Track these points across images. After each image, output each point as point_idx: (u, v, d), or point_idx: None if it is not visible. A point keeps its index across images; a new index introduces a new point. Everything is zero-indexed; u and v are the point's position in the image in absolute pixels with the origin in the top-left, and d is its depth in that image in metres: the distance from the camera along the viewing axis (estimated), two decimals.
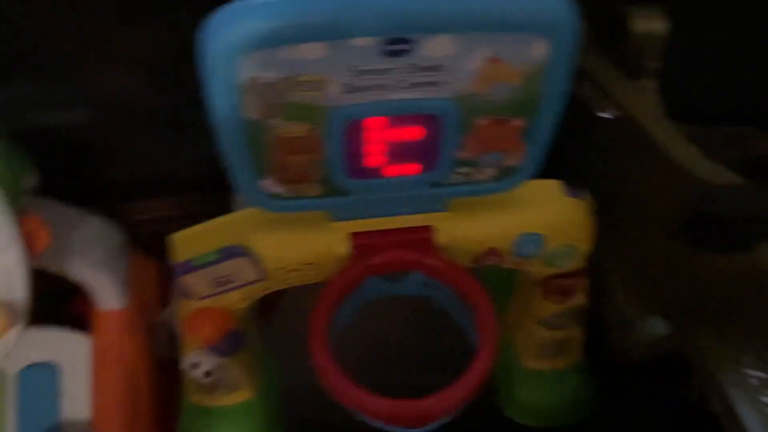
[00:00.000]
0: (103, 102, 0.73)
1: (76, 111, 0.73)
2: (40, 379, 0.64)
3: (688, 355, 0.45)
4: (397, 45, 0.37)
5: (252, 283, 0.51)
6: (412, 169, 0.45)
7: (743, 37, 0.61)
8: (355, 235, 0.49)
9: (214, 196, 0.77)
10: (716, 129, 0.65)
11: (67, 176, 0.74)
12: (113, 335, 0.66)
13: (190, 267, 0.49)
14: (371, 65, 0.38)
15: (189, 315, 0.53)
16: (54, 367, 0.65)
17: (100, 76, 0.71)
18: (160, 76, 0.72)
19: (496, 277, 0.67)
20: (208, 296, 0.51)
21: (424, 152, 0.44)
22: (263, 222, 0.49)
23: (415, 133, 0.43)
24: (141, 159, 0.78)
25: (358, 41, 0.36)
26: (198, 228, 0.51)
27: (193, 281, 0.50)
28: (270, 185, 0.45)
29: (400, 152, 0.44)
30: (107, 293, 0.65)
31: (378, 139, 0.43)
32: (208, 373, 0.57)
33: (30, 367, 0.64)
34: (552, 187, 0.52)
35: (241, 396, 0.63)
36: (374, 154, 0.44)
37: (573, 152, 0.59)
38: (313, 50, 0.37)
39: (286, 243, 0.49)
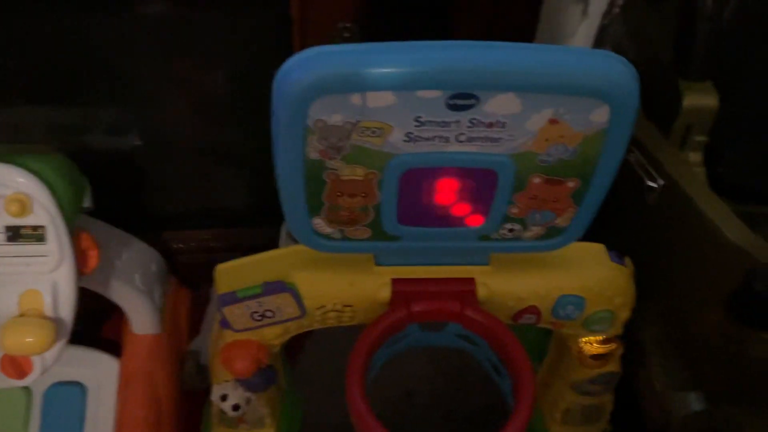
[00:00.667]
0: (156, 131, 0.75)
1: (129, 137, 0.75)
2: (66, 399, 0.64)
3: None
4: (463, 99, 0.38)
5: (291, 319, 0.51)
6: (463, 221, 0.46)
7: None
8: (397, 281, 0.49)
9: (252, 230, 0.79)
10: (759, 207, 0.65)
11: (115, 200, 0.76)
12: (144, 360, 0.66)
13: (234, 299, 0.49)
14: (435, 117, 0.39)
15: (225, 346, 0.53)
16: (81, 387, 0.65)
17: (156, 106, 0.74)
18: (214, 110, 0.74)
19: (528, 337, 0.67)
20: (247, 329, 0.52)
21: (477, 206, 0.45)
22: (308, 260, 0.50)
23: (470, 186, 0.43)
24: (184, 189, 0.80)
25: (426, 93, 0.37)
26: (244, 261, 0.51)
27: (235, 313, 0.50)
28: (321, 225, 0.46)
29: (453, 203, 0.44)
30: (143, 317, 0.66)
31: (432, 189, 0.43)
32: (236, 407, 0.56)
33: (57, 385, 0.64)
34: (597, 251, 0.52)
35: None
36: (427, 204, 0.44)
37: (619, 218, 0.59)
38: (381, 99, 0.38)
39: (329, 283, 0.50)
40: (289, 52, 0.38)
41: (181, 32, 0.69)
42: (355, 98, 0.38)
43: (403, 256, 0.49)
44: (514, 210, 0.45)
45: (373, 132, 0.39)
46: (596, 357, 0.56)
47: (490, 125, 0.39)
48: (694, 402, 0.52)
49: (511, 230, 0.47)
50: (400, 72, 0.37)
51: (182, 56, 0.71)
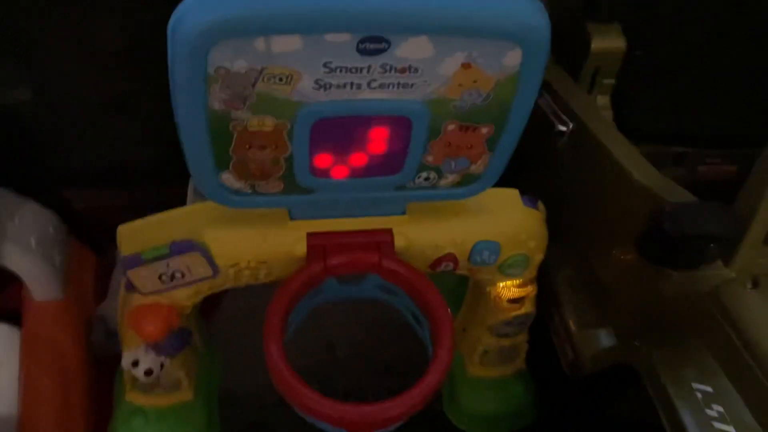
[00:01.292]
0: (49, 84, 0.70)
1: (19, 91, 0.69)
2: None
3: (637, 367, 0.46)
4: (374, 43, 0.36)
5: (203, 279, 0.49)
6: (378, 170, 0.45)
7: (693, 59, 0.64)
8: (313, 235, 0.48)
9: (159, 187, 0.75)
10: (663, 147, 0.67)
11: (8, 160, 0.70)
12: (46, 327, 0.62)
13: (139, 260, 0.47)
14: (345, 62, 0.37)
15: (133, 310, 0.51)
16: None
17: (46, 57, 0.68)
18: (111, 61, 0.69)
19: (444, 285, 0.67)
20: (156, 292, 0.49)
21: (392, 155, 0.43)
22: (218, 217, 0.47)
23: (383, 134, 0.42)
24: (83, 146, 0.74)
25: (334, 36, 0.36)
26: (148, 220, 0.49)
27: (141, 275, 0.48)
28: (230, 180, 0.43)
29: (367, 153, 0.43)
30: (42, 283, 0.62)
31: (345, 139, 0.42)
32: (149, 372, 0.54)
33: None
34: (510, 196, 0.52)
35: (179, 397, 0.61)
36: (340, 154, 0.43)
37: (530, 162, 0.59)
38: (287, 43, 0.35)
39: (241, 240, 0.48)
40: None
41: None
42: (259, 43, 0.35)
43: (317, 209, 0.48)
44: (430, 158, 0.44)
45: (281, 79, 0.37)
46: (512, 300, 0.57)
47: (403, 70, 0.38)
48: (604, 338, 0.54)
49: (426, 179, 0.46)
50: (306, 13, 0.34)
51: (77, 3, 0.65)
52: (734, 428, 0.40)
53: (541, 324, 0.62)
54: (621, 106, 0.62)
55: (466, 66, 0.38)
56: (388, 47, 0.37)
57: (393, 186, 0.46)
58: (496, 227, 0.51)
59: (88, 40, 0.67)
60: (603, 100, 0.60)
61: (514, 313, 0.59)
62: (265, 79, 0.37)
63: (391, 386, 0.68)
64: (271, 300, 0.46)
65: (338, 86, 0.38)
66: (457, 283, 0.67)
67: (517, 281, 0.55)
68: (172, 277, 0.48)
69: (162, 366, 0.55)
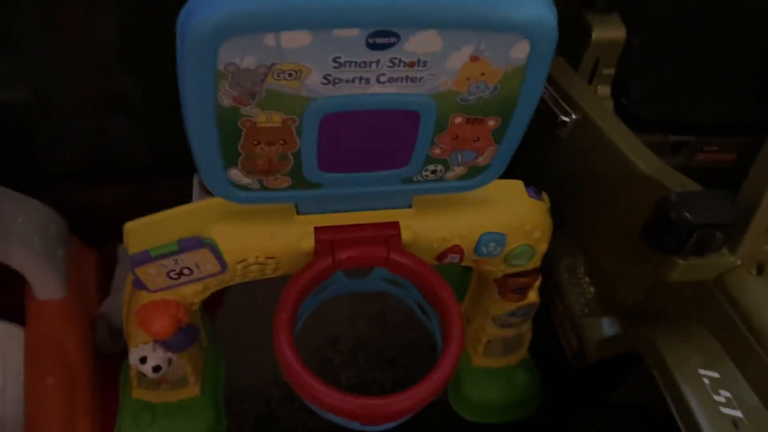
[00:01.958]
0: (47, 83, 0.69)
1: (18, 90, 0.69)
2: None
3: (644, 355, 0.47)
4: (383, 38, 0.36)
5: (211, 275, 0.49)
6: (386, 164, 0.45)
7: (690, 48, 0.64)
8: (320, 229, 0.48)
9: (161, 183, 0.75)
10: (662, 136, 0.67)
11: (7, 159, 0.70)
12: (50, 326, 0.63)
13: (147, 258, 0.47)
14: (354, 57, 0.37)
15: (141, 308, 0.50)
16: None
17: (45, 57, 0.67)
18: (110, 59, 0.69)
19: (448, 276, 0.68)
20: (164, 288, 0.49)
21: (399, 148, 0.44)
22: (225, 213, 0.48)
23: (391, 128, 0.42)
24: (82, 143, 0.74)
25: (344, 32, 0.36)
26: (155, 217, 0.49)
27: (149, 273, 0.48)
28: (238, 176, 0.43)
29: (375, 147, 0.43)
30: (46, 282, 0.62)
31: (353, 133, 0.42)
32: (157, 368, 0.54)
33: None
34: (515, 187, 0.52)
35: (186, 392, 0.61)
36: (348, 149, 0.43)
37: (534, 153, 0.60)
38: (297, 38, 0.35)
39: (249, 235, 0.48)
40: None
41: None
42: (269, 38, 0.35)
43: (325, 203, 0.48)
44: (437, 151, 0.44)
45: (290, 75, 0.37)
46: (517, 290, 0.58)
47: (412, 64, 0.38)
48: (608, 327, 0.55)
49: (433, 171, 0.46)
50: (316, 9, 0.34)
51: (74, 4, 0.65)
52: (741, 413, 0.41)
53: (545, 313, 0.62)
54: (620, 95, 0.62)
55: (474, 59, 0.39)
56: (397, 41, 0.37)
57: (400, 179, 0.46)
58: (502, 218, 0.51)
59: (86, 39, 0.67)
60: (604, 90, 0.61)
61: (518, 304, 0.59)
62: (275, 75, 0.37)
63: (396, 378, 0.68)
64: (281, 295, 0.46)
65: (347, 81, 0.38)
66: (460, 274, 0.68)
67: (522, 271, 0.56)
68: (181, 273, 0.48)
69: (170, 362, 0.55)
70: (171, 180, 0.70)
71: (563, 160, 0.59)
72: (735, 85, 0.65)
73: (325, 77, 0.38)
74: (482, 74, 0.40)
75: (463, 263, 0.54)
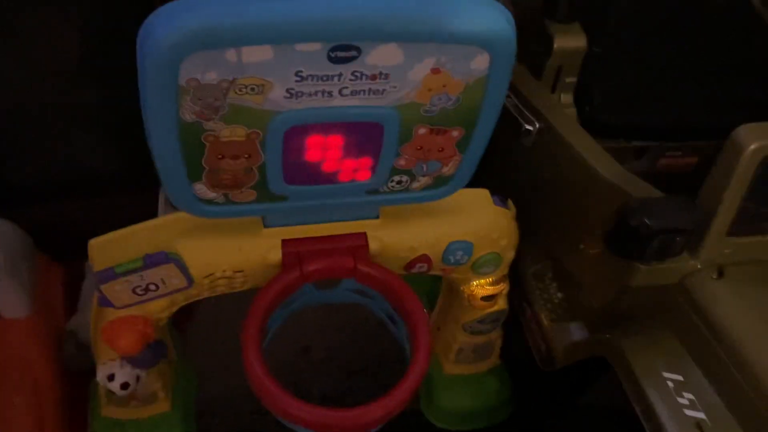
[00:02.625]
0: (7, 95, 0.68)
1: None
2: None
3: (610, 359, 0.47)
4: (344, 52, 0.37)
5: (178, 290, 0.49)
6: (351, 176, 0.45)
7: (650, 54, 0.65)
8: (287, 241, 0.48)
9: (126, 198, 0.74)
10: (624, 142, 0.68)
11: None
12: (16, 345, 0.62)
13: (112, 275, 0.46)
14: (316, 71, 0.37)
15: (108, 324, 0.50)
16: None
17: (7, 68, 0.67)
18: (73, 72, 0.68)
19: (418, 285, 0.68)
20: (130, 305, 0.49)
21: (364, 160, 0.44)
22: (191, 227, 0.47)
23: (356, 141, 0.42)
24: (45, 157, 0.73)
25: (305, 46, 0.36)
26: (120, 233, 0.48)
27: (115, 290, 0.47)
28: (202, 190, 0.43)
29: (340, 159, 0.43)
30: (10, 300, 0.61)
31: (318, 146, 0.42)
32: (125, 385, 0.54)
33: None
34: (481, 196, 0.53)
35: (156, 409, 0.60)
36: (313, 161, 0.43)
37: (499, 162, 0.60)
38: (258, 53, 0.35)
39: (215, 249, 0.48)
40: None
41: None
42: (230, 54, 0.35)
43: (291, 216, 0.48)
44: (402, 162, 0.45)
45: (252, 89, 0.37)
46: (486, 298, 0.58)
47: (374, 77, 0.38)
48: (576, 332, 0.56)
49: (399, 182, 0.46)
50: (277, 24, 0.34)
51: (32, 6, 0.64)
52: (705, 415, 0.42)
53: (515, 319, 0.63)
54: (582, 102, 0.63)
55: (435, 71, 0.39)
56: (359, 55, 0.37)
57: (366, 191, 0.46)
58: (469, 227, 0.52)
59: (50, 52, 0.66)
60: (566, 98, 0.62)
61: (487, 311, 0.60)
62: (237, 90, 0.37)
63: (367, 388, 0.68)
64: (248, 309, 0.46)
65: (310, 94, 0.38)
66: (431, 283, 0.68)
67: (490, 279, 0.56)
68: (147, 289, 0.48)
69: (138, 379, 0.55)
70: (138, 194, 0.69)
71: (528, 168, 0.59)
72: (695, 90, 0.67)
73: (287, 91, 0.38)
74: (444, 86, 0.40)
75: (432, 272, 0.54)
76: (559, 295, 0.58)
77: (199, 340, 0.71)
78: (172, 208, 0.47)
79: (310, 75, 0.37)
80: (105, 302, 0.48)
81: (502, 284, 0.57)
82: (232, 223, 0.48)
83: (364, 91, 0.39)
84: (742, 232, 0.45)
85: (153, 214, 0.55)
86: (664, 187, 0.49)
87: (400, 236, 0.50)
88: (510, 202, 0.54)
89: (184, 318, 0.72)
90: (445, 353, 0.66)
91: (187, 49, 0.34)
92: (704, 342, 0.43)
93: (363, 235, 0.49)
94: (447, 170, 0.46)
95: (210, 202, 0.44)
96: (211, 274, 0.48)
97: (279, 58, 0.36)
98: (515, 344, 0.64)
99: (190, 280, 0.48)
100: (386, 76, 0.38)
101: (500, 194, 0.55)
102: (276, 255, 0.48)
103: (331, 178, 0.45)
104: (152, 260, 0.46)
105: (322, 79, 0.38)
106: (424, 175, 0.46)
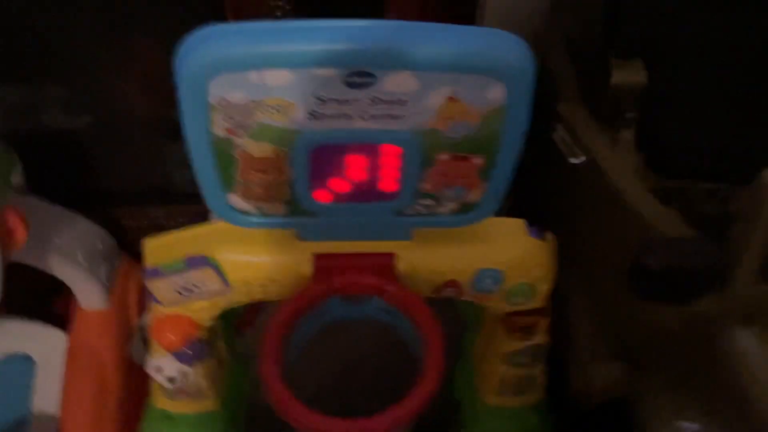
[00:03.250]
0: (106, 108, 0.76)
1: (78, 116, 0.76)
2: (15, 371, 0.66)
3: (631, 401, 0.46)
4: (360, 78, 0.39)
5: (217, 294, 0.52)
6: (377, 196, 0.47)
7: (725, 93, 0.63)
8: (319, 256, 0.50)
9: (204, 207, 0.80)
10: (697, 184, 0.66)
11: (68, 180, 0.77)
12: (90, 334, 0.68)
13: (158, 273, 0.51)
14: (335, 95, 0.40)
15: (156, 320, 0.54)
16: (30, 360, 0.67)
17: (105, 83, 0.74)
18: (163, 86, 0.74)
19: (471, 312, 0.68)
20: (175, 303, 0.53)
21: (388, 181, 0.46)
22: (230, 235, 0.51)
23: (378, 162, 0.44)
24: (136, 167, 0.80)
25: (322, 71, 0.38)
26: (171, 235, 0.53)
27: (161, 287, 0.51)
28: (237, 201, 0.47)
29: (365, 179, 0.45)
30: (88, 293, 0.67)
31: (342, 166, 0.44)
32: (171, 379, 0.58)
33: (7, 357, 0.66)
34: (515, 225, 0.53)
35: (204, 406, 0.64)
36: (338, 180, 0.45)
37: (547, 195, 0.60)
38: (279, 77, 0.39)
39: (251, 258, 0.51)
40: None
41: (125, 8, 0.69)
42: (253, 76, 0.38)
43: (323, 231, 0.50)
44: (426, 186, 0.46)
45: (277, 110, 0.40)
46: (523, 329, 0.58)
47: (390, 103, 0.40)
48: (614, 371, 0.54)
49: (426, 206, 0.48)
50: (293, 50, 0.38)
51: (127, 32, 0.71)
52: None
53: (560, 355, 0.62)
54: (649, 141, 0.62)
55: (452, 99, 0.40)
56: (375, 81, 0.39)
57: (392, 212, 0.48)
58: (499, 255, 0.52)
59: (146, 70, 0.73)
60: (626, 133, 0.60)
61: (526, 343, 0.59)
62: (263, 110, 0.40)
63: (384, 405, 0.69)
64: (272, 316, 0.48)
65: (331, 116, 0.41)
66: (477, 312, 0.68)
67: (526, 310, 0.56)
68: (189, 290, 0.52)
69: (185, 375, 0.59)
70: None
71: (574, 202, 0.59)
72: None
73: (310, 113, 0.41)
74: (462, 114, 0.41)
75: (463, 298, 0.54)
76: (599, 331, 0.57)
77: (258, 345, 0.74)
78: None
79: (330, 98, 0.40)
80: (153, 298, 0.53)
81: (539, 316, 0.57)
82: (268, 234, 0.51)
83: (382, 116, 0.41)
84: None
85: None
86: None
87: (429, 259, 0.51)
88: (549, 234, 0.54)
89: (245, 323, 0.76)
90: (487, 384, 0.65)
91: (214, 71, 0.38)
92: (726, 392, 0.41)
93: (392, 255, 0.51)
94: (473, 196, 0.47)
95: (245, 212, 0.48)
96: (246, 282, 0.51)
97: (299, 82, 0.39)
98: (560, 381, 0.63)
99: (227, 285, 0.51)
100: (403, 102, 0.40)
101: (544, 225, 0.55)
102: (307, 268, 0.50)
103: (357, 198, 0.47)
104: (193, 263, 0.50)
105: (341, 103, 0.40)
106: (450, 201, 0.47)
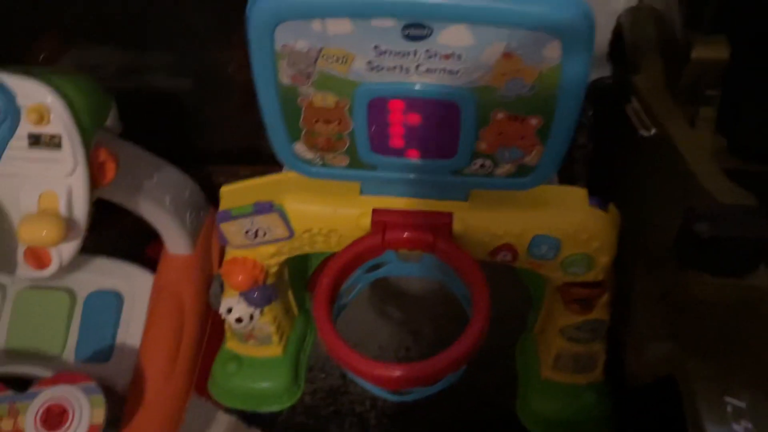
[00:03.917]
0: (204, 74, 0.81)
1: (182, 80, 0.82)
2: (104, 304, 0.72)
3: (677, 377, 0.44)
4: (417, 30, 0.40)
5: (281, 239, 0.55)
6: (434, 153, 0.48)
7: None
8: (378, 210, 0.52)
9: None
10: None
11: (168, 138, 0.83)
12: (173, 277, 0.73)
13: (229, 216, 0.54)
14: (393, 47, 0.41)
15: (226, 261, 0.58)
16: (118, 295, 0.73)
17: (204, 51, 0.79)
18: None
19: (538, 287, 0.68)
20: (243, 246, 0.56)
21: (444, 139, 0.47)
22: (298, 184, 0.53)
23: (435, 118, 0.45)
24: (229, 129, 0.85)
25: (380, 21, 0.40)
26: (245, 183, 0.56)
27: (231, 230, 0.55)
28: (302, 150, 0.49)
29: (421, 135, 0.47)
30: (173, 238, 0.72)
31: (399, 119, 0.46)
32: (239, 320, 0.62)
33: (98, 292, 0.72)
34: (576, 194, 0.53)
35: (269, 351, 0.67)
36: (396, 133, 0.47)
37: (615, 167, 0.59)
38: (340, 25, 0.40)
39: (313, 207, 0.53)
40: None
41: None
42: (316, 24, 0.41)
43: (384, 186, 0.52)
44: (483, 145, 0.47)
45: (337, 59, 0.42)
46: (580, 302, 0.57)
47: (447, 57, 0.41)
48: (667, 349, 0.52)
49: (482, 166, 0.49)
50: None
51: (236, 5, 0.76)
52: None
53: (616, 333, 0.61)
54: (728, 120, 0.59)
55: (507, 56, 0.41)
56: (431, 34, 0.40)
57: (449, 170, 0.49)
58: (556, 223, 0.52)
59: (240, 38, 0.78)
60: (706, 111, 0.58)
61: (583, 317, 0.59)
62: (324, 59, 0.42)
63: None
64: (327, 264, 0.51)
65: (389, 69, 0.43)
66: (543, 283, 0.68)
67: (583, 282, 0.55)
68: (256, 234, 0.55)
69: (252, 317, 0.62)
70: None
71: (641, 175, 0.57)
72: None
73: (368, 63, 0.42)
74: (517, 71, 0.42)
75: (518, 264, 0.55)
76: (660, 311, 0.55)
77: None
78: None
79: (388, 50, 0.41)
80: (223, 240, 0.56)
81: (596, 290, 0.56)
82: (332, 186, 0.53)
83: (438, 70, 0.42)
84: None
85: None
86: None
87: (485, 221, 0.52)
88: (612, 207, 0.53)
89: (315, 282, 0.79)
90: (544, 357, 0.65)
91: (280, 17, 0.40)
92: None
93: (449, 215, 0.52)
94: (529, 159, 0.47)
95: (309, 162, 0.50)
96: (309, 229, 0.54)
97: (358, 32, 0.41)
98: (613, 358, 0.62)
99: (291, 231, 0.54)
100: (459, 56, 0.41)
101: (611, 198, 0.54)
102: (366, 221, 0.52)
103: (414, 154, 0.48)
104: (260, 208, 0.53)
105: (398, 55, 0.42)
106: (506, 162, 0.48)
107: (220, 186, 0.86)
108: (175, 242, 0.73)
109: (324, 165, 0.50)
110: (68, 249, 0.53)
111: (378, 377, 0.46)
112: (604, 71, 0.74)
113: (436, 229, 0.52)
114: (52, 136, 0.49)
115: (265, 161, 0.87)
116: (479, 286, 0.49)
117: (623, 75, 0.63)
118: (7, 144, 0.50)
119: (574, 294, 0.56)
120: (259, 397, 0.67)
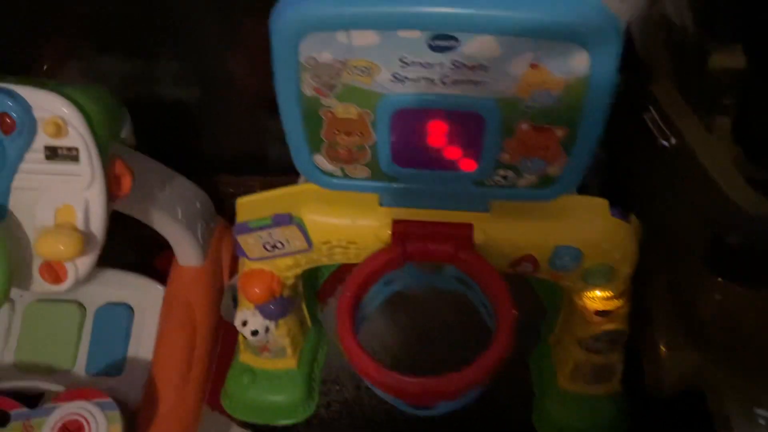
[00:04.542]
0: (216, 82, 0.81)
1: (190, 88, 0.81)
2: (115, 317, 0.71)
3: (703, 389, 0.44)
4: (443, 41, 0.40)
5: (300, 252, 0.55)
6: (456, 164, 0.48)
7: None
8: (398, 222, 0.52)
9: (294, 178, 0.83)
10: None
11: (175, 147, 0.82)
12: (184, 288, 0.72)
13: (246, 228, 0.54)
14: (419, 58, 0.41)
15: (243, 274, 0.58)
16: (129, 308, 0.72)
17: (212, 61, 0.79)
18: (264, 68, 0.78)
19: (552, 297, 0.68)
20: (261, 258, 0.56)
21: (468, 150, 0.46)
22: (316, 196, 0.53)
23: (459, 129, 0.45)
24: (237, 138, 0.85)
25: (407, 33, 0.40)
26: (262, 194, 0.56)
27: (249, 242, 0.54)
28: (322, 162, 0.49)
29: (444, 146, 0.46)
30: (185, 250, 0.72)
31: (423, 131, 0.46)
32: (254, 332, 0.61)
33: (108, 305, 0.72)
34: (598, 204, 0.52)
35: (284, 364, 0.67)
36: (419, 146, 0.46)
37: (635, 177, 0.59)
38: (365, 37, 0.40)
39: (333, 219, 0.53)
40: None
41: None
42: (341, 36, 0.40)
43: (404, 198, 0.52)
44: (506, 156, 0.47)
45: (362, 71, 0.42)
46: (600, 313, 0.57)
47: (473, 68, 0.41)
48: (690, 360, 0.52)
49: (505, 177, 0.48)
50: (379, 11, 0.39)
51: (236, 13, 0.75)
52: None
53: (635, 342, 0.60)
54: (745, 129, 0.59)
55: (534, 66, 0.41)
56: (457, 45, 0.40)
57: (472, 181, 0.49)
58: (578, 233, 0.51)
59: (252, 48, 0.77)
60: (722, 120, 0.58)
61: (603, 328, 0.58)
62: (349, 70, 0.42)
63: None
64: (348, 277, 0.50)
65: (414, 80, 0.42)
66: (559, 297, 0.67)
67: (605, 293, 0.55)
68: (274, 246, 0.54)
69: (267, 330, 0.62)
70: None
71: (661, 185, 0.57)
72: None
73: (393, 75, 0.42)
74: (544, 82, 0.41)
75: (539, 275, 0.54)
76: (681, 321, 0.55)
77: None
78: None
79: (413, 61, 0.41)
80: (241, 253, 0.56)
81: (618, 301, 0.56)
82: (351, 197, 0.52)
83: (464, 81, 0.42)
84: None
85: None
86: None
87: (506, 232, 0.52)
88: (633, 217, 0.53)
89: (327, 293, 0.79)
90: (562, 368, 0.65)
91: (305, 30, 0.40)
92: None
93: (470, 226, 0.51)
94: (553, 170, 0.47)
95: (329, 174, 0.50)
96: (328, 241, 0.54)
97: (384, 44, 0.40)
98: (634, 369, 0.61)
99: (310, 244, 0.54)
100: (485, 67, 0.41)
101: (631, 208, 0.54)
102: (386, 233, 0.52)
103: (437, 165, 0.48)
104: (278, 220, 0.53)
105: (424, 66, 0.41)
106: (529, 173, 0.48)
107: (227, 196, 0.87)
108: (187, 254, 0.72)
109: (344, 177, 0.50)
110: (84, 263, 0.52)
111: (410, 393, 0.46)
112: None
113: (457, 240, 0.51)
114: (70, 149, 0.49)
115: (272, 171, 0.87)
116: (503, 298, 0.48)
117: (636, 83, 0.63)
118: (23, 156, 0.50)
119: (594, 305, 0.56)
120: (274, 410, 0.67)
